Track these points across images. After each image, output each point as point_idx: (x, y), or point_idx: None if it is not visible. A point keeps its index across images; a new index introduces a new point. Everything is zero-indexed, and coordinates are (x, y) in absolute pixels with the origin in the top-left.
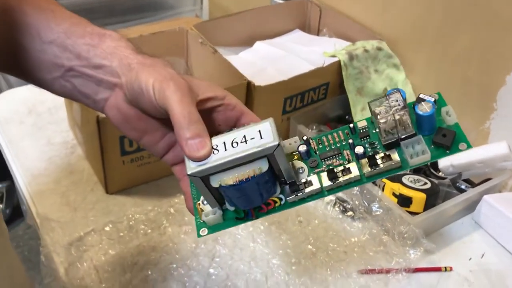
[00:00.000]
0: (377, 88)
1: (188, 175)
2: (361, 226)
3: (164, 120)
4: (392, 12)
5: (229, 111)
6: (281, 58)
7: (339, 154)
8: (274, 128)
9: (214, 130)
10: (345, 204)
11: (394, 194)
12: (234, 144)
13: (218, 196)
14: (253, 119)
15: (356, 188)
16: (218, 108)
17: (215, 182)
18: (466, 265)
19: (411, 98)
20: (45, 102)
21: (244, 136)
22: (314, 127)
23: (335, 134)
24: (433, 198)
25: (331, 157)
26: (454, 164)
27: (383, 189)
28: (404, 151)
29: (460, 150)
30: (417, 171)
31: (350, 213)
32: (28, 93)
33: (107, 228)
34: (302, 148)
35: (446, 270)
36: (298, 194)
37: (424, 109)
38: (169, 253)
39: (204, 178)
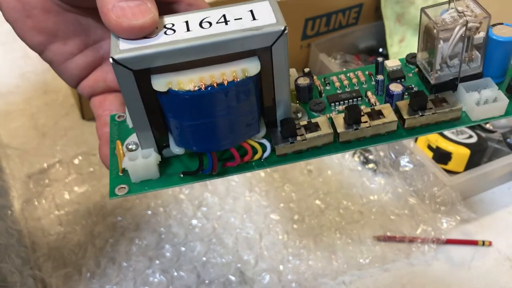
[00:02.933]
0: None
1: (112, 61)
2: (384, 182)
3: (90, 16)
4: None
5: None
6: None
7: (359, 98)
8: (278, 9)
9: None
10: (367, 154)
11: (429, 147)
12: (205, 25)
13: (159, 127)
14: None
15: None
16: (174, 5)
17: (160, 83)
18: (510, 241)
19: None
20: None
21: (224, 16)
22: (339, 57)
23: (351, 74)
24: (478, 156)
25: (346, 101)
26: None
27: (416, 140)
28: (465, 98)
29: None
30: None
31: (372, 165)
32: None
33: (76, 161)
34: (303, 82)
35: (484, 244)
36: (295, 142)
37: (502, 33)
38: (146, 196)
39: (139, 74)
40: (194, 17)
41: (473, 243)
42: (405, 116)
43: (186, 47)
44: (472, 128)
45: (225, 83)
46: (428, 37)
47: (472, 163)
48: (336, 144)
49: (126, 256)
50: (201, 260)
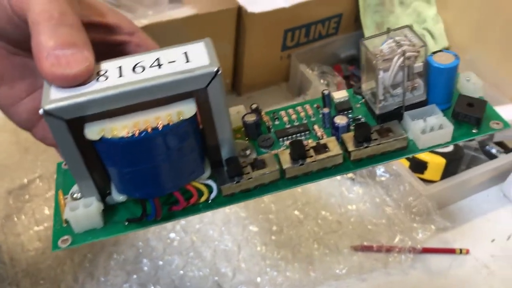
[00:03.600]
0: (401, 24)
1: (43, 112)
2: (362, 192)
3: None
4: None
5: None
6: None
7: (307, 132)
8: (213, 51)
9: None
10: None
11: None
12: (138, 69)
13: (100, 174)
14: None
15: None
16: (122, 47)
17: (93, 132)
18: (487, 248)
19: (442, 40)
20: None
21: (158, 60)
22: (316, 68)
23: (299, 108)
24: (454, 164)
25: (293, 135)
26: None
27: None
28: (410, 126)
29: (493, 130)
30: None
31: (350, 174)
32: None
33: None
34: (250, 118)
35: (461, 253)
36: (241, 181)
37: (443, 60)
38: None
39: (73, 123)
40: (127, 62)
41: (451, 251)
42: (350, 149)
43: (117, 94)
44: None
45: (160, 127)
46: (369, 68)
47: (448, 171)
48: (283, 181)
49: (104, 271)
50: (178, 273)
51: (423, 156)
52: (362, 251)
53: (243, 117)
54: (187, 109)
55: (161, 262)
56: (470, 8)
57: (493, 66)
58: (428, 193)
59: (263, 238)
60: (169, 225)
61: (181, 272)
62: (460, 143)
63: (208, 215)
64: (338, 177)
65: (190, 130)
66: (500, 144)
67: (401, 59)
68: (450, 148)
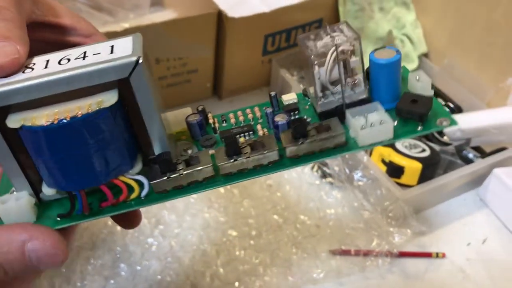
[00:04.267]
0: (380, 30)
1: None
2: (340, 196)
3: None
4: None
5: None
6: None
7: (251, 132)
8: (140, 44)
9: None
10: (324, 168)
11: (383, 161)
12: (64, 61)
13: (32, 169)
14: None
15: None
16: (72, 37)
17: (14, 120)
18: (463, 252)
19: (420, 45)
20: None
21: (85, 53)
22: (295, 73)
23: (248, 110)
24: (431, 169)
25: (237, 135)
26: (463, 128)
27: (370, 154)
28: (351, 123)
29: (439, 128)
30: None
31: (329, 179)
32: None
33: None
34: (193, 118)
35: (437, 256)
36: (172, 176)
37: (384, 55)
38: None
39: None
40: (56, 56)
41: (427, 255)
42: (285, 145)
43: (37, 83)
44: (425, 141)
45: (79, 115)
46: (308, 65)
47: (425, 176)
48: (218, 178)
49: (81, 276)
50: (156, 278)
51: (400, 161)
52: (340, 255)
53: (186, 118)
54: (108, 98)
55: (139, 267)
56: (448, 14)
57: (470, 71)
58: (405, 198)
59: (242, 243)
60: (147, 230)
61: (159, 277)
62: (437, 147)
63: (187, 220)
64: (317, 181)
65: (111, 120)
66: (477, 149)
67: (335, 53)
68: (426, 153)
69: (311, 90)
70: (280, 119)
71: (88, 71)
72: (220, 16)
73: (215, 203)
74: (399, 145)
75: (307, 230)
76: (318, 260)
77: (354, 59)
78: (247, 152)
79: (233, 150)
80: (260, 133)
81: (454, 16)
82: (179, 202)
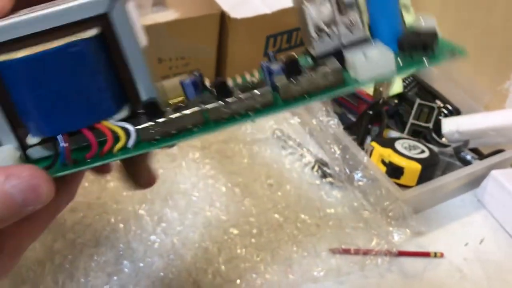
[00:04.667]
0: None
1: None
2: (341, 196)
3: None
4: None
5: None
6: None
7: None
8: None
9: None
10: (325, 168)
11: (383, 162)
12: (48, 6)
13: (13, 114)
14: None
15: (337, 150)
16: None
17: (2, 57)
18: (461, 251)
19: None
20: None
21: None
22: None
23: (246, 73)
24: (430, 170)
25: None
26: (461, 130)
27: (370, 155)
28: (349, 59)
29: (447, 58)
30: (416, 135)
31: (329, 179)
32: None
33: None
34: (187, 79)
35: (436, 256)
36: (158, 121)
37: None
38: (106, 212)
39: None
40: (43, 5)
41: (426, 254)
42: (279, 83)
43: (19, 21)
44: (424, 143)
45: (56, 45)
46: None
47: (424, 177)
48: (208, 124)
49: (85, 272)
50: (159, 275)
51: (400, 161)
52: (340, 254)
53: (181, 81)
54: (87, 32)
55: (141, 264)
56: (447, 18)
57: (469, 74)
58: (404, 198)
59: (243, 241)
60: (149, 227)
61: (162, 274)
62: (435, 149)
63: (189, 218)
64: (317, 181)
65: (90, 53)
66: (474, 150)
67: None
68: (426, 154)
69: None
70: (275, 66)
71: (67, 7)
72: (222, 17)
73: (216, 201)
74: (398, 146)
75: (307, 229)
76: (318, 259)
77: None
78: (238, 94)
79: (224, 93)
80: (254, 80)
81: (452, 20)
82: (181, 200)
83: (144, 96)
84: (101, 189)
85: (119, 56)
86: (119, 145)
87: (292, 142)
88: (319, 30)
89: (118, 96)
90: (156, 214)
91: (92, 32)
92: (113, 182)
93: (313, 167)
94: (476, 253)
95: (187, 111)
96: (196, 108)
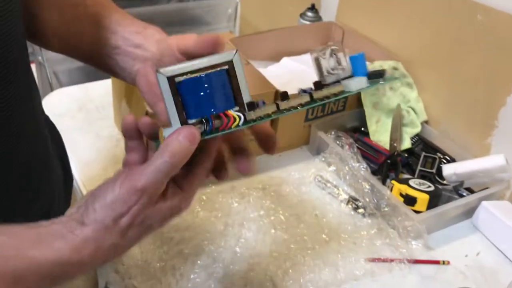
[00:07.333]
0: (391, 104)
1: (158, 72)
2: (371, 222)
3: None
4: (408, 36)
5: None
6: (305, 73)
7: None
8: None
9: None
10: (357, 202)
11: (401, 194)
12: (199, 59)
13: (181, 109)
14: None
15: (367, 186)
16: None
17: (179, 78)
18: (463, 261)
19: (422, 114)
20: (93, 101)
21: (207, 57)
22: (333, 133)
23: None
24: (435, 200)
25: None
26: (457, 173)
27: (391, 190)
28: (344, 83)
29: (392, 78)
30: (423, 178)
31: (361, 210)
32: (77, 92)
33: None
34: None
35: (444, 263)
36: (253, 112)
37: (355, 53)
38: (201, 232)
39: (171, 78)
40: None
41: (436, 262)
42: (313, 93)
43: (191, 65)
44: (429, 180)
45: (212, 72)
46: (318, 59)
47: (432, 205)
48: (277, 113)
49: (192, 272)
50: (244, 274)
51: (413, 193)
52: (373, 262)
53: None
54: (223, 67)
55: (231, 266)
56: (442, 92)
57: (460, 132)
58: (418, 219)
59: (302, 253)
60: (232, 243)
61: (245, 273)
62: (439, 186)
63: (260, 237)
64: (352, 212)
65: (224, 78)
66: (469, 189)
67: (329, 50)
68: (432, 188)
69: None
70: (307, 88)
71: (215, 58)
72: (276, 94)
73: (278, 226)
74: (411, 183)
75: (347, 245)
76: (358, 264)
77: (341, 54)
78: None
79: (285, 97)
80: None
81: (446, 94)
82: (253, 225)
83: (246, 100)
84: (194, 217)
85: (235, 80)
86: (236, 123)
87: (330, 184)
88: (327, 72)
89: (232, 99)
90: (236, 234)
91: (225, 67)
92: (202, 212)
93: (347, 203)
94: (475, 261)
95: (267, 108)
96: (273, 106)
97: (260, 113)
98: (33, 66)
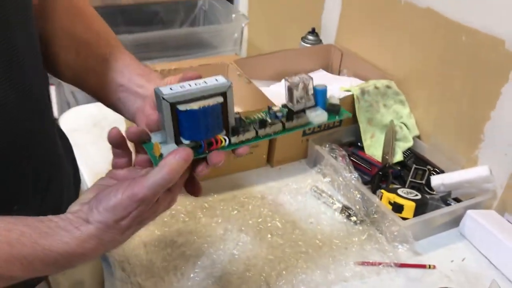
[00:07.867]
0: (385, 120)
1: (162, 98)
2: (361, 228)
3: None
4: (400, 57)
5: None
6: None
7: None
8: (227, 79)
9: None
10: (350, 211)
11: (389, 202)
12: (197, 84)
13: (177, 131)
14: None
15: (358, 195)
16: None
17: (182, 107)
18: (448, 266)
19: (414, 130)
20: (108, 118)
21: (205, 81)
22: (327, 145)
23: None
24: (422, 208)
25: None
26: (444, 183)
27: (381, 198)
28: (309, 115)
29: (345, 115)
30: (413, 189)
31: (353, 218)
32: (93, 109)
33: None
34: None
35: (430, 267)
36: (237, 137)
37: (320, 86)
38: (202, 236)
39: (173, 104)
40: (191, 82)
41: (422, 266)
42: (285, 122)
43: (192, 92)
44: (418, 190)
45: (210, 105)
46: (291, 89)
47: (418, 212)
48: (257, 138)
49: (192, 271)
50: (240, 275)
51: (401, 201)
52: (363, 265)
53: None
54: (219, 99)
55: (229, 267)
56: (432, 109)
57: (449, 146)
58: (405, 225)
59: (295, 256)
60: (231, 246)
61: (242, 273)
62: (427, 195)
63: (257, 241)
64: (345, 220)
65: (221, 108)
66: (456, 199)
67: (302, 81)
68: (418, 197)
69: (288, 104)
70: (279, 113)
71: (213, 86)
72: None
73: (274, 232)
74: (399, 192)
75: (339, 250)
76: (348, 267)
77: (309, 87)
78: (267, 126)
79: (263, 126)
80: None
81: (436, 110)
82: (251, 231)
83: (231, 124)
84: (196, 222)
85: (226, 110)
86: (222, 145)
87: (325, 194)
88: (296, 100)
89: (222, 125)
90: (234, 238)
91: (220, 100)
92: (204, 218)
93: (341, 211)
94: (460, 266)
95: (248, 132)
96: (253, 132)
97: (242, 138)
98: (52, 88)
